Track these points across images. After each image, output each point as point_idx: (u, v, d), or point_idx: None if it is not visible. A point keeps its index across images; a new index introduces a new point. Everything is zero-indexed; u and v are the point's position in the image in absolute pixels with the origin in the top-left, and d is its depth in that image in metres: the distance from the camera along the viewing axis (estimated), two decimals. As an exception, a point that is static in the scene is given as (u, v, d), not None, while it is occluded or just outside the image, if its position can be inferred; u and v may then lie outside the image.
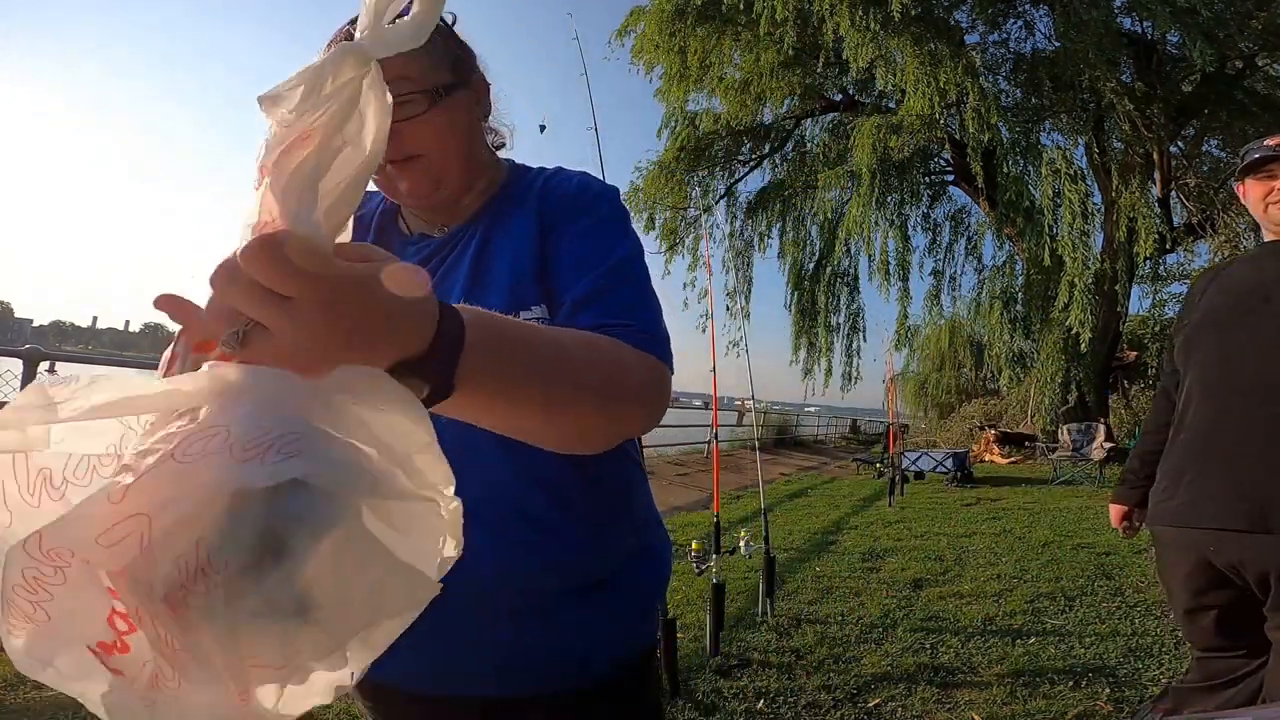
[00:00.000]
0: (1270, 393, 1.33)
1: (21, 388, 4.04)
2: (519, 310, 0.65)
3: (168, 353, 0.35)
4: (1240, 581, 1.38)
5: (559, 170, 0.80)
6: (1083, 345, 10.14)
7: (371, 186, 0.71)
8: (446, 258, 0.73)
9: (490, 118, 0.79)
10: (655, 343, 0.62)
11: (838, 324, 14.16)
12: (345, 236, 0.37)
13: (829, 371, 14.40)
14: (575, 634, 0.72)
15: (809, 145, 14.40)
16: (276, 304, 0.30)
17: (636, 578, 0.78)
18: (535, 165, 0.82)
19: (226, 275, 0.31)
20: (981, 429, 13.43)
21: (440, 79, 0.69)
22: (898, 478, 7.38)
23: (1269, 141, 1.47)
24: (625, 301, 0.65)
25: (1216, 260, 11.08)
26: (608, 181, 0.78)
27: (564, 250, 0.69)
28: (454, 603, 0.60)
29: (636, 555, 0.78)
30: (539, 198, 0.74)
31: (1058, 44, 10.27)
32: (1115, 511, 1.75)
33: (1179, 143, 11.12)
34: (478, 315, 0.42)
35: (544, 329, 0.55)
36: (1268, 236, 1.50)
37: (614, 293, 0.65)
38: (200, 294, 0.34)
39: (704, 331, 12.19)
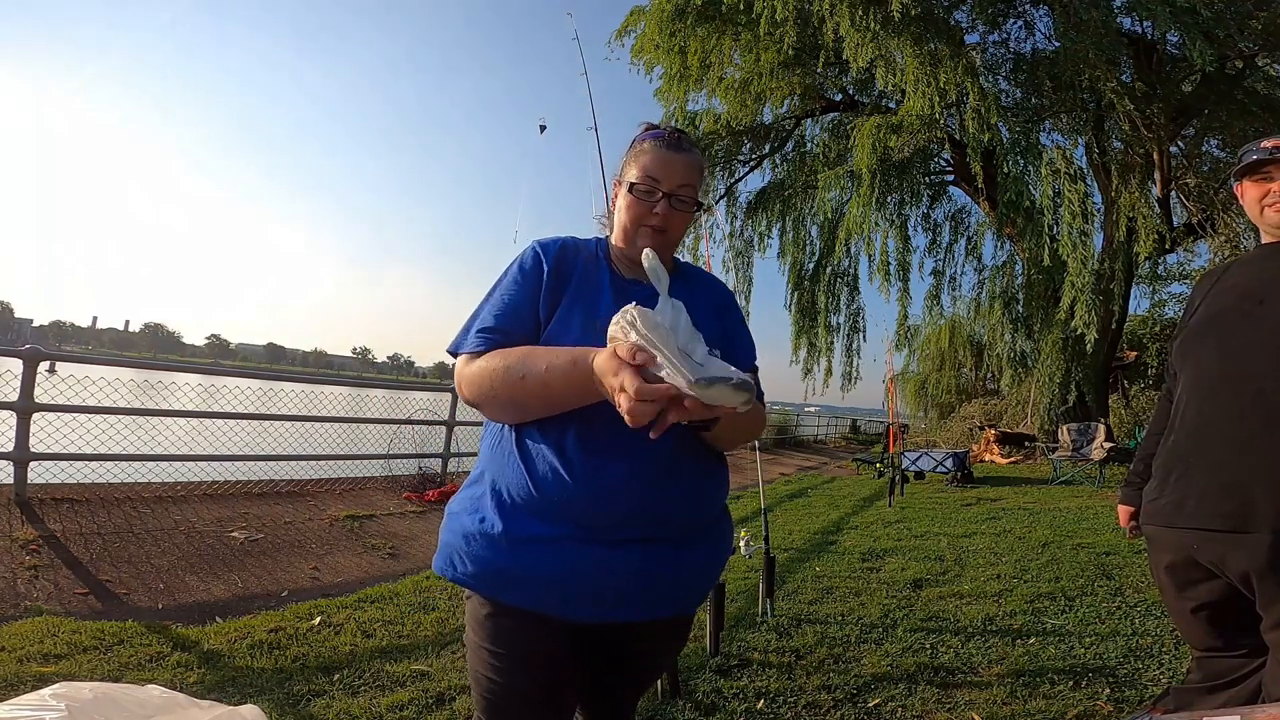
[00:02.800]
0: (1259, 395, 1.32)
1: (21, 387, 4.04)
2: (712, 348, 1.04)
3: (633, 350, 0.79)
4: (1226, 580, 1.38)
5: (697, 267, 1.30)
6: (1087, 345, 10.13)
7: (594, 232, 1.22)
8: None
9: None
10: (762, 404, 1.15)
11: (838, 324, 14.17)
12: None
13: (829, 371, 14.42)
14: (698, 565, 1.04)
15: (809, 145, 14.39)
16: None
17: (726, 526, 1.13)
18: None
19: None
20: (981, 429, 13.42)
21: (699, 198, 1.12)
22: (898, 478, 7.39)
23: (1266, 143, 1.46)
24: (759, 385, 1.14)
25: (1216, 260, 11.08)
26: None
27: (739, 332, 1.18)
28: (614, 530, 0.96)
29: (726, 508, 1.14)
30: (709, 283, 1.22)
31: (1058, 44, 10.25)
32: (1120, 512, 1.77)
33: (1179, 143, 11.11)
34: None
35: (756, 407, 1.02)
36: (1265, 239, 1.50)
37: (756, 375, 1.15)
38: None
39: (704, 331, 12.18)
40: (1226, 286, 1.50)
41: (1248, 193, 1.50)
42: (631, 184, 1.08)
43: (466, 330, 1.06)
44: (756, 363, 1.18)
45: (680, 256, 1.27)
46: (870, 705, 2.16)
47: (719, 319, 1.14)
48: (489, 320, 1.04)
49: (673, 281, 1.11)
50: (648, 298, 1.02)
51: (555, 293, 1.06)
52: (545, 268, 1.07)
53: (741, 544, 3.01)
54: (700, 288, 1.18)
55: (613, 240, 1.15)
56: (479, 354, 1.01)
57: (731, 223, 14.42)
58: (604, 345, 0.95)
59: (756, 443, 3.92)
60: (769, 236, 14.37)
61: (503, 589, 0.98)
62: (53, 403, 4.30)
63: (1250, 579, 1.31)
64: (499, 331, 1.02)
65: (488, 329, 1.03)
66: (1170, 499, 1.44)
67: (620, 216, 1.10)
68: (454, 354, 1.06)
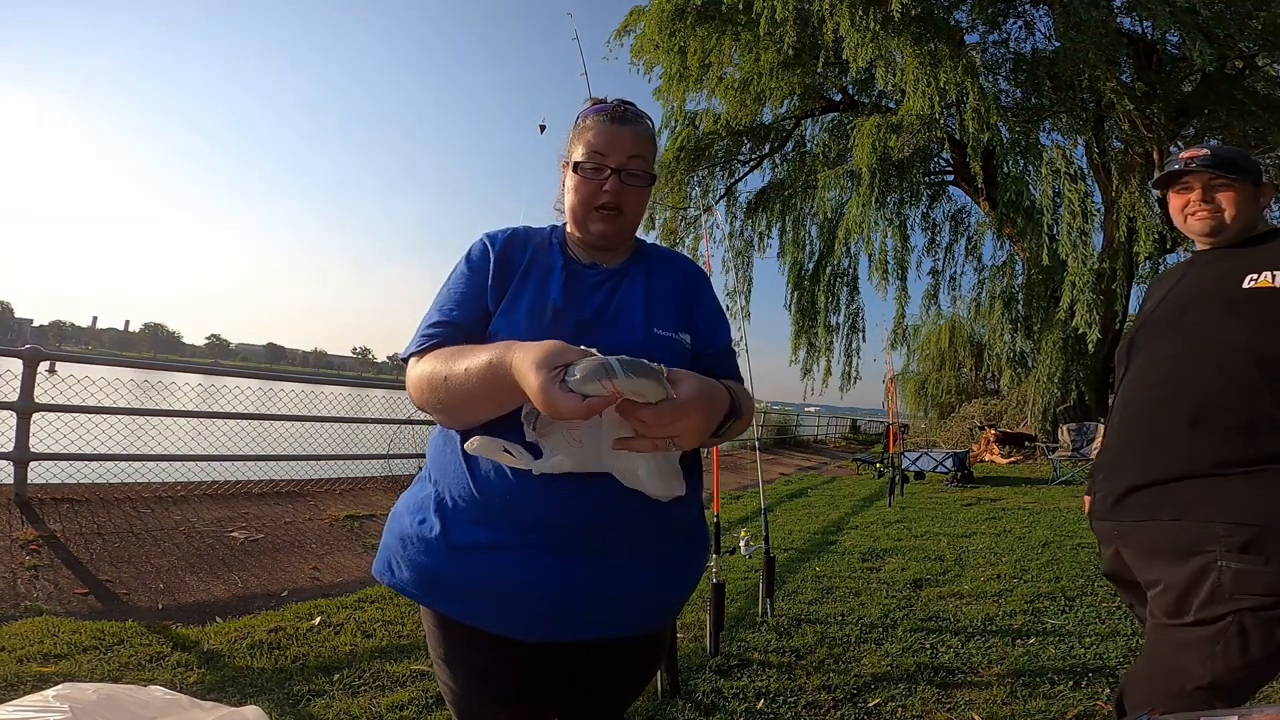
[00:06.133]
0: (1172, 399, 1.36)
1: (21, 387, 4.04)
2: (677, 330, 1.03)
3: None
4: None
5: (664, 247, 1.22)
6: (1089, 346, 10.13)
7: (553, 221, 1.13)
8: (620, 283, 1.04)
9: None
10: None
11: (837, 324, 14.20)
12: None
13: (828, 371, 14.44)
14: (655, 578, 0.96)
15: (809, 145, 14.41)
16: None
17: (696, 536, 1.06)
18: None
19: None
20: (981, 429, 13.42)
21: (653, 171, 1.05)
22: (898, 478, 7.39)
23: (1184, 155, 1.48)
24: (736, 366, 1.10)
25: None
26: None
27: (706, 310, 1.10)
28: (561, 536, 0.89)
29: (700, 517, 1.07)
30: (673, 259, 1.15)
31: (1057, 44, 10.26)
32: (1086, 502, 1.82)
33: (1179, 143, 11.10)
34: (735, 391, 0.94)
35: (743, 393, 1.00)
36: (1198, 246, 1.52)
37: (733, 358, 1.10)
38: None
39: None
40: (1165, 292, 1.55)
41: (1171, 202, 1.53)
42: (576, 163, 1.02)
43: (416, 332, 1.01)
44: (731, 343, 1.12)
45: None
46: (870, 705, 2.16)
47: (685, 295, 1.08)
48: (434, 315, 0.99)
49: (632, 262, 1.08)
50: (603, 280, 1.04)
51: (502, 281, 1.01)
52: (492, 257, 1.03)
53: (741, 544, 3.02)
54: (663, 264, 1.11)
55: (567, 227, 1.09)
56: (425, 352, 0.95)
57: (731, 223, 14.46)
58: (552, 330, 0.92)
59: (756, 443, 3.91)
60: (769, 236, 14.41)
61: (439, 598, 0.93)
62: (53, 403, 4.30)
63: (1124, 560, 1.42)
64: (445, 324, 0.97)
65: (433, 324, 0.98)
66: (1099, 494, 1.51)
67: (569, 199, 1.04)
68: (405, 360, 0.99)
